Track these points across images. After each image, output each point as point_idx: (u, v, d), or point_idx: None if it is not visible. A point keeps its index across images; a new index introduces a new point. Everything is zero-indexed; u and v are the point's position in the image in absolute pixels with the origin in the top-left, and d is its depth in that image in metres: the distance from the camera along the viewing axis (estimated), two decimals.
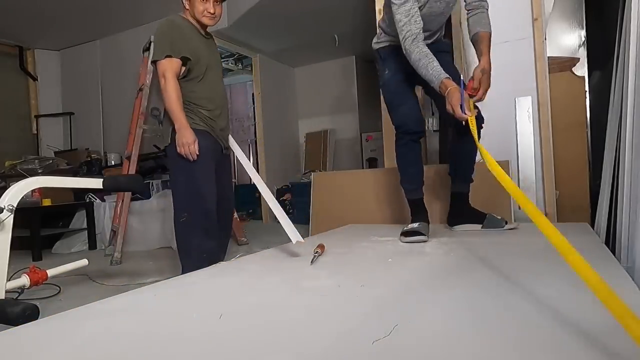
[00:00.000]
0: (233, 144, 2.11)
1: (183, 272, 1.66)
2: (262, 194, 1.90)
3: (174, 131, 1.77)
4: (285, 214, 1.78)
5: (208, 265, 1.47)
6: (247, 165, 2.11)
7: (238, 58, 5.63)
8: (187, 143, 1.72)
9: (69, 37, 4.92)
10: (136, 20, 4.46)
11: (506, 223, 1.88)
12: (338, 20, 4.34)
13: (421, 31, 1.55)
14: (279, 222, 1.72)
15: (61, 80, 5.30)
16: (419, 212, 1.78)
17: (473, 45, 1.79)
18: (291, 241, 1.63)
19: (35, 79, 5.13)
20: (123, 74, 4.64)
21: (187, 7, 1.83)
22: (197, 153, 1.74)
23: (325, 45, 5.03)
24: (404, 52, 1.56)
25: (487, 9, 1.79)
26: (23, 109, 5.08)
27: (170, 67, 1.73)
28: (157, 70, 1.77)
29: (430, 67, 1.50)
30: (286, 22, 4.36)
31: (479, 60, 1.71)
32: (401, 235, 1.69)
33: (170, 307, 0.97)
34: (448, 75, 1.49)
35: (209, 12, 1.83)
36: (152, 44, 1.81)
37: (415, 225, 1.67)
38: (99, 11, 4.24)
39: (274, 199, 1.89)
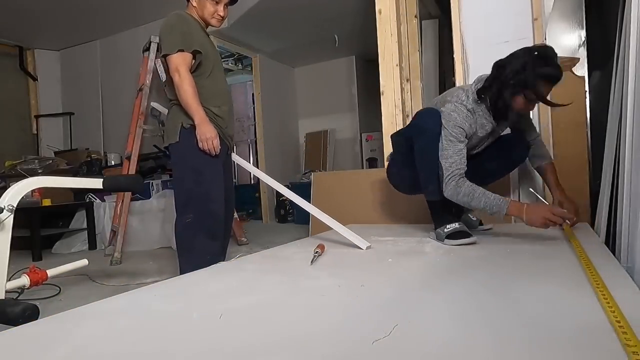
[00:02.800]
0: (237, 158, 2.10)
1: (182, 273, 1.65)
2: (312, 211, 1.86)
3: (183, 128, 1.74)
4: (340, 224, 1.75)
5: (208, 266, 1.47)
6: (270, 181, 2.08)
7: (238, 58, 5.64)
8: (211, 137, 1.70)
9: (69, 37, 4.92)
10: (136, 20, 4.46)
11: (481, 224, 1.89)
12: (338, 20, 4.33)
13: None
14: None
15: (61, 80, 5.29)
16: (447, 212, 1.69)
17: (540, 175, 1.91)
18: (361, 248, 1.58)
19: (35, 79, 5.13)
20: (123, 74, 4.64)
21: (195, 4, 1.81)
22: (220, 147, 1.74)
23: (325, 45, 5.03)
24: (451, 187, 1.53)
25: (539, 136, 1.89)
26: (23, 109, 5.08)
27: (183, 61, 1.70)
28: (169, 64, 1.72)
29: (488, 194, 1.48)
30: (286, 22, 4.36)
31: (552, 194, 1.83)
32: (446, 238, 1.58)
33: (170, 307, 0.97)
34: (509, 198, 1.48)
35: (219, 15, 1.83)
36: (159, 37, 1.76)
37: (456, 225, 1.59)
38: (99, 11, 4.24)
39: (323, 214, 1.81)
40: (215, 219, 1.79)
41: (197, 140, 1.72)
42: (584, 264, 1.10)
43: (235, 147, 2.06)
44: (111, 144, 4.80)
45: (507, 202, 1.46)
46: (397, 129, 2.46)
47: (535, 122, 2.15)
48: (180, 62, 1.69)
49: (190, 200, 1.77)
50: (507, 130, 1.86)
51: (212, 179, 1.78)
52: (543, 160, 1.84)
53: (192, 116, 1.70)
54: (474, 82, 1.65)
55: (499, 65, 1.55)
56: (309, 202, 2.65)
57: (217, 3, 1.81)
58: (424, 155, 1.64)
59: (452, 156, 1.55)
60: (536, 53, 1.46)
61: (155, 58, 3.37)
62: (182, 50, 1.70)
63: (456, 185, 1.52)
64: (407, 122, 2.53)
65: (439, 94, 3.56)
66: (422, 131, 1.64)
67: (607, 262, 1.16)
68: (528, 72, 1.44)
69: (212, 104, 1.79)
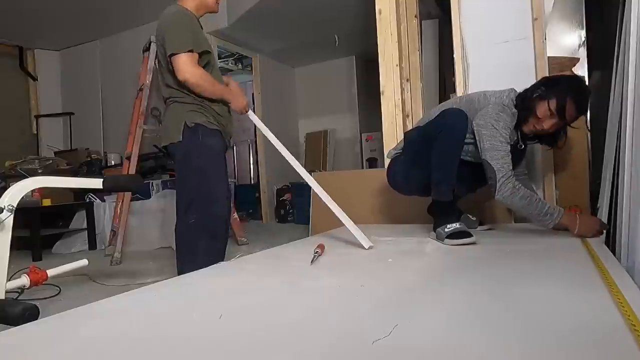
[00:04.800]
0: (254, 117, 2.13)
1: (181, 274, 1.64)
2: (314, 186, 1.93)
3: (187, 127, 1.71)
4: (348, 217, 1.70)
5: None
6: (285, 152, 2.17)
7: (238, 58, 5.64)
8: (245, 105, 1.92)
9: (69, 37, 4.92)
10: (136, 20, 4.46)
11: (481, 224, 1.89)
12: (338, 20, 4.33)
13: None
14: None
15: (61, 80, 5.30)
16: (450, 213, 1.67)
17: None
18: (363, 247, 1.56)
19: (35, 79, 5.13)
20: (123, 74, 4.64)
21: None
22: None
23: (325, 45, 5.02)
24: (508, 188, 1.52)
25: (527, 174, 1.92)
26: (23, 109, 5.09)
27: (192, 61, 1.68)
28: (177, 64, 1.66)
29: (543, 200, 1.56)
30: (286, 22, 4.36)
31: None
32: (446, 238, 1.56)
33: (170, 307, 0.97)
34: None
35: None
36: (163, 34, 1.72)
37: (457, 225, 1.58)
38: (99, 11, 4.24)
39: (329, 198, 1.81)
40: (219, 219, 1.78)
41: (200, 139, 1.71)
42: (595, 264, 1.10)
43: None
44: (111, 144, 4.80)
45: (561, 212, 1.52)
46: (397, 129, 2.46)
47: None
48: (190, 61, 1.67)
49: (193, 201, 1.74)
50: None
51: (216, 179, 1.76)
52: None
53: (226, 99, 1.81)
54: (509, 91, 1.68)
55: (546, 78, 1.67)
56: (310, 202, 2.66)
57: None
58: (445, 154, 1.62)
59: (504, 157, 1.55)
60: (582, 83, 1.61)
61: (155, 58, 3.37)
62: (192, 51, 1.67)
63: (514, 187, 1.52)
64: (407, 122, 2.53)
65: (439, 94, 3.56)
66: (448, 130, 1.61)
67: (608, 262, 1.16)
68: (563, 86, 1.55)
69: (214, 103, 1.78)
